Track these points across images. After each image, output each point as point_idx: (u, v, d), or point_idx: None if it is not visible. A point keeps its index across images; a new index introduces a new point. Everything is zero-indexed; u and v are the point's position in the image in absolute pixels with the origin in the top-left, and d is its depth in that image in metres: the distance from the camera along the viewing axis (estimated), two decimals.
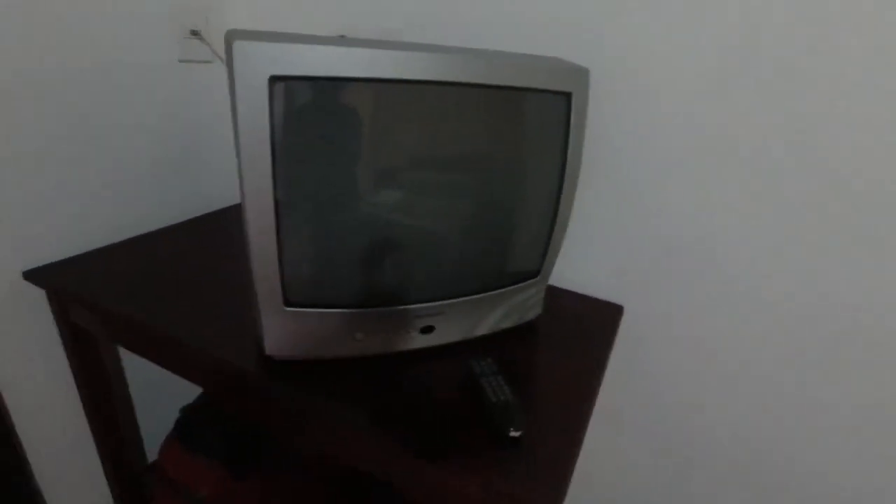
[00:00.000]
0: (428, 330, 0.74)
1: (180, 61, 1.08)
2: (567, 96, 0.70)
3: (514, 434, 0.60)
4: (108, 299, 0.81)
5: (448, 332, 0.76)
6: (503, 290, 0.78)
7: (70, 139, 0.91)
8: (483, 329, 0.80)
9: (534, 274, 0.81)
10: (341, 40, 0.62)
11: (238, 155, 0.57)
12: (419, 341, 0.75)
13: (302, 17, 1.09)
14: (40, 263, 0.90)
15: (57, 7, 0.84)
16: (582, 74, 0.71)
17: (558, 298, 0.96)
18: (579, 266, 0.99)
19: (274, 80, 0.55)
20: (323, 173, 0.62)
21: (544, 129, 0.72)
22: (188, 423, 0.95)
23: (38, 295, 0.91)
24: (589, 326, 0.89)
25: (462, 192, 0.71)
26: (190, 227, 1.10)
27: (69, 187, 0.93)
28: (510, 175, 0.73)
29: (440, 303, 0.74)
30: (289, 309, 0.66)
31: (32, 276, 0.87)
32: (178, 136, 1.11)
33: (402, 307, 0.71)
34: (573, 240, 0.97)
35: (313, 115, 0.59)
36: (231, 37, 0.54)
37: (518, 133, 0.71)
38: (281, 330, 0.67)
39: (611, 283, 0.97)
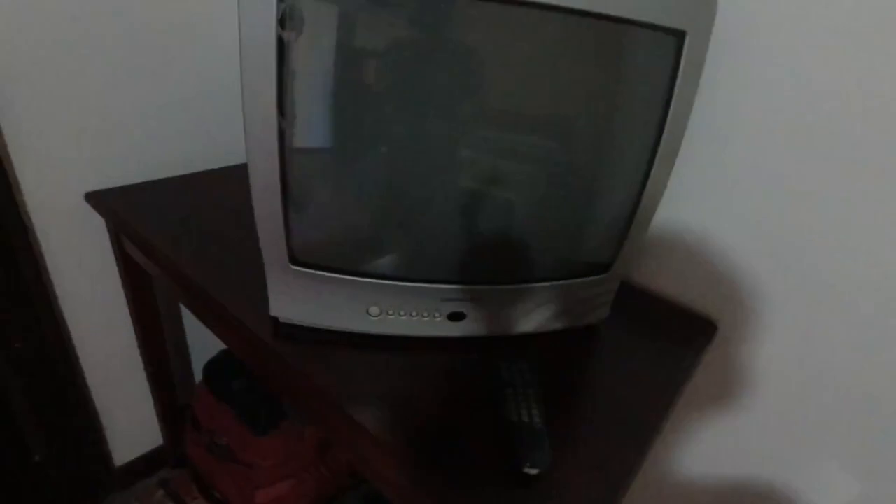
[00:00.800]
0: (457, 317, 0.62)
1: None
2: (678, 36, 0.51)
3: (529, 471, 0.46)
4: (150, 233, 0.78)
5: (481, 323, 0.63)
6: (559, 282, 0.63)
7: (136, 69, 0.89)
8: (527, 326, 0.65)
9: (603, 268, 0.64)
10: None
11: (242, 81, 0.47)
12: (445, 329, 0.62)
13: None
14: (101, 187, 0.90)
15: None
16: (704, 7, 0.51)
17: (634, 300, 0.79)
18: (667, 265, 0.80)
19: None
20: (342, 106, 0.50)
21: (639, 81, 0.54)
22: (217, 373, 0.93)
23: (99, 219, 0.92)
24: (667, 341, 0.70)
25: (519, 152, 0.56)
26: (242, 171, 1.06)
27: (132, 118, 0.92)
28: (586, 137, 0.56)
29: (474, 287, 0.60)
30: (294, 268, 0.57)
31: (92, 198, 0.88)
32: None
33: (427, 285, 0.59)
34: (664, 230, 0.78)
35: (334, 29, 0.47)
36: None
37: (598, 82, 0.54)
38: (286, 290, 0.59)
39: (704, 291, 0.77)
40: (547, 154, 0.56)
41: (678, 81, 0.52)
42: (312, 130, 0.51)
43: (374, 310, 0.60)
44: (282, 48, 0.45)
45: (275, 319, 0.62)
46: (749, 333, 0.75)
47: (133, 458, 1.21)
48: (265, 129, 0.48)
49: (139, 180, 0.95)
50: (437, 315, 0.61)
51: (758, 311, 0.73)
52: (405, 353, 0.61)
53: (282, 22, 0.44)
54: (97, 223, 0.92)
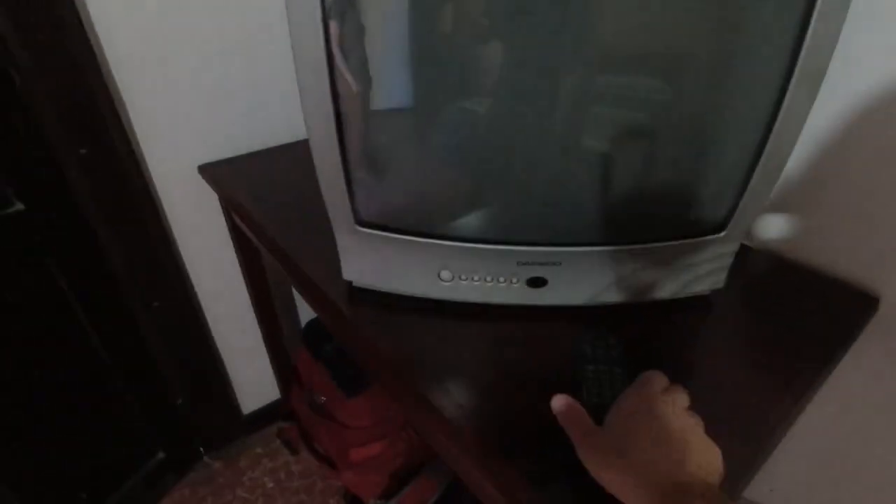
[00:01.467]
0: (538, 283, 0.55)
1: None
2: None
3: None
4: (250, 206, 0.82)
5: (567, 290, 0.56)
6: (660, 244, 0.53)
7: (226, 47, 0.93)
8: (621, 295, 0.57)
9: (717, 227, 0.53)
10: None
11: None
12: (525, 296, 0.56)
13: None
14: (211, 160, 0.97)
15: None
16: None
17: (760, 267, 0.65)
18: (810, 229, 0.64)
19: None
20: (414, 42, 0.46)
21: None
22: (314, 334, 0.97)
23: (209, 188, 0.99)
24: (807, 318, 0.57)
25: (628, 95, 0.47)
26: None
27: (240, 91, 0.97)
28: (695, 67, 0.45)
29: (557, 248, 0.53)
30: (361, 229, 0.54)
31: (205, 170, 0.95)
32: None
33: (502, 247, 0.53)
34: (803, 189, 0.63)
35: None
36: None
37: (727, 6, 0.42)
38: (355, 253, 0.57)
39: (863, 261, 0.61)
40: (656, 99, 0.46)
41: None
42: (372, 71, 0.47)
43: (445, 274, 0.56)
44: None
45: (349, 284, 0.61)
46: None
47: (256, 408, 1.34)
48: (317, 63, 0.44)
49: (244, 151, 1.00)
50: (514, 280, 0.55)
51: None
52: (480, 323, 0.57)
53: None
54: (212, 194, 0.99)
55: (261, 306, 1.12)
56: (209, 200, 1.00)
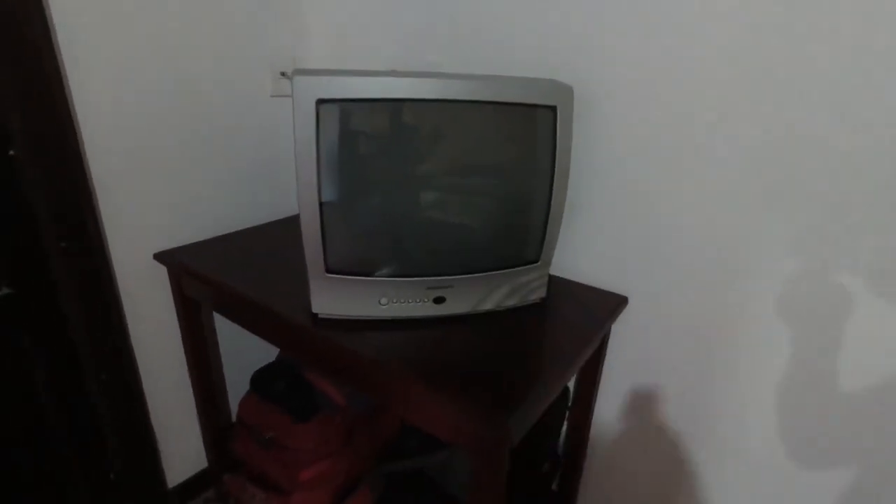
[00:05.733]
0: (440, 300, 0.92)
1: (272, 96, 1.37)
2: (552, 109, 0.85)
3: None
4: (208, 271, 1.07)
5: (458, 303, 0.93)
6: (506, 270, 0.93)
7: (186, 157, 1.21)
8: (489, 304, 0.95)
9: (535, 259, 0.95)
10: (373, 72, 0.83)
11: (295, 160, 0.79)
12: (433, 310, 0.92)
13: (368, 59, 1.33)
14: (165, 248, 1.19)
15: (186, 57, 1.15)
16: (566, 91, 0.86)
17: (566, 287, 1.09)
18: (587, 259, 1.11)
19: (320, 102, 0.77)
20: (356, 172, 0.83)
21: (537, 137, 0.87)
22: (261, 378, 1.19)
23: (162, 273, 1.20)
24: (591, 311, 1.00)
25: (468, 188, 0.88)
26: (278, 226, 1.37)
27: (188, 191, 1.23)
28: (510, 175, 0.90)
29: (450, 277, 0.90)
30: (329, 275, 0.86)
31: (160, 256, 1.17)
32: (269, 154, 1.40)
33: (417, 278, 0.89)
34: (580, 234, 1.10)
35: (348, 126, 0.80)
36: (295, 73, 0.77)
37: (516, 140, 0.87)
38: (323, 292, 0.88)
39: (616, 275, 1.08)
40: (486, 188, 0.89)
41: (558, 132, 0.86)
42: (337, 187, 0.82)
43: (383, 300, 0.89)
44: (317, 140, 0.78)
45: (314, 316, 0.91)
46: (651, 299, 1.05)
47: (182, 480, 1.43)
48: (309, 188, 0.79)
49: (197, 240, 1.25)
50: (425, 300, 0.91)
51: (654, 281, 1.04)
52: (405, 330, 0.90)
53: (317, 124, 0.77)
54: (163, 275, 1.20)
55: (199, 372, 1.29)
56: (163, 285, 1.21)
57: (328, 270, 0.86)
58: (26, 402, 1.05)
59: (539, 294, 0.99)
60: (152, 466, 1.34)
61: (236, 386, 1.38)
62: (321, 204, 0.81)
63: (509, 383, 0.77)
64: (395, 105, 0.81)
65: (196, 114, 1.21)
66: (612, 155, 1.02)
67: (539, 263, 0.95)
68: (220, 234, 1.30)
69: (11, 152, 0.95)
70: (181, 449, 1.41)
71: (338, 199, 0.83)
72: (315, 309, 0.90)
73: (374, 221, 0.88)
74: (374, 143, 0.84)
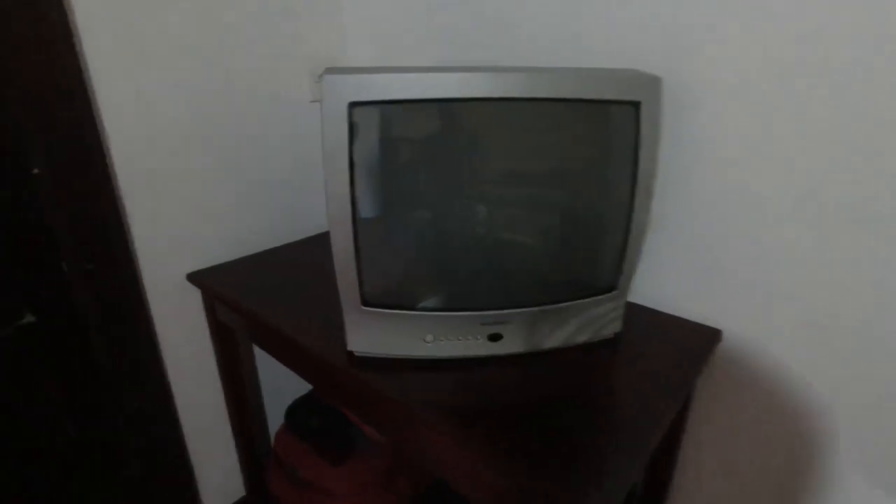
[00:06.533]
0: (496, 338, 0.77)
1: (311, 102, 1.27)
2: (636, 105, 0.69)
3: None
4: (240, 297, 0.97)
5: (517, 340, 0.78)
6: (575, 302, 0.77)
7: (219, 168, 1.13)
8: (554, 341, 0.79)
9: (610, 287, 0.79)
10: (414, 68, 0.70)
11: (324, 173, 0.67)
12: (487, 348, 0.77)
13: (413, 59, 1.21)
14: (199, 267, 1.11)
15: (220, 66, 1.07)
16: (652, 83, 0.69)
17: (645, 317, 0.91)
18: (671, 283, 0.93)
19: (353, 105, 0.65)
20: (396, 186, 0.70)
21: (616, 139, 0.71)
22: (295, 413, 1.08)
23: (193, 294, 1.13)
24: (677, 349, 0.82)
25: (531, 203, 0.73)
26: (319, 241, 1.26)
27: (222, 205, 1.15)
28: (582, 186, 0.74)
29: (507, 311, 0.76)
30: (365, 308, 0.74)
31: (193, 277, 1.09)
32: (307, 165, 1.30)
33: (469, 313, 0.75)
34: (663, 255, 0.92)
35: (386, 133, 0.67)
36: (325, 73, 0.65)
37: (589, 144, 0.72)
38: (359, 328, 0.75)
39: (707, 305, 0.89)
40: (552, 203, 0.73)
41: (642, 134, 0.70)
42: (374, 204, 0.69)
43: (429, 337, 0.76)
44: (350, 150, 0.65)
45: (349, 354, 0.78)
46: (749, 335, 0.86)
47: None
48: (341, 206, 0.67)
49: (229, 259, 1.16)
50: (479, 337, 0.76)
51: (753, 314, 0.85)
52: (457, 371, 0.76)
53: (350, 131, 0.64)
54: (196, 295, 1.12)
55: (235, 400, 1.21)
56: (196, 307, 1.13)
57: (365, 303, 0.74)
58: (54, 436, 0.99)
59: (614, 328, 0.83)
60: (190, 497, 1.27)
61: (277, 410, 1.29)
62: (355, 224, 0.68)
63: (580, 448, 0.62)
64: (442, 106, 0.67)
65: (229, 123, 1.12)
66: (713, 157, 0.83)
67: (616, 292, 0.79)
68: (254, 251, 1.20)
69: (35, 171, 0.88)
70: (219, 478, 1.33)
71: (375, 217, 0.70)
72: (350, 346, 0.77)
73: (419, 244, 0.75)
74: (417, 150, 0.71)
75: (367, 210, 0.69)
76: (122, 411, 1.07)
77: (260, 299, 0.96)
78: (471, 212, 0.72)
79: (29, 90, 0.83)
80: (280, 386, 1.36)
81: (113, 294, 1.00)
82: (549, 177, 0.73)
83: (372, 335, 0.76)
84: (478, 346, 0.77)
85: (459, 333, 0.76)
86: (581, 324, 0.79)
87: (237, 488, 1.38)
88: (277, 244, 1.25)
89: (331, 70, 0.65)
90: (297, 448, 1.05)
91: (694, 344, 0.84)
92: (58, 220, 0.90)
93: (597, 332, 0.81)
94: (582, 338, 0.81)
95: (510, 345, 0.78)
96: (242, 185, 1.18)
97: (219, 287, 1.03)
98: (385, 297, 0.74)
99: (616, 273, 0.78)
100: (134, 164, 0.98)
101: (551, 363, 0.78)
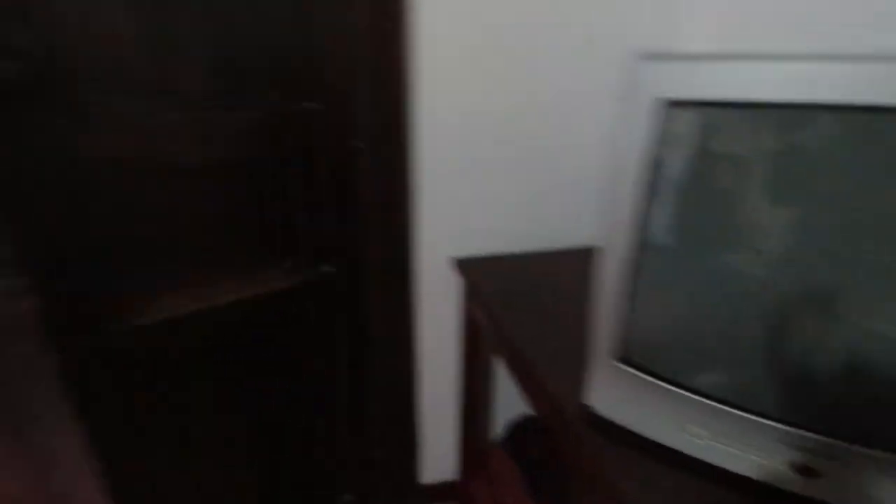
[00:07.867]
0: (807, 472, 0.50)
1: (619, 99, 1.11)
2: None
3: None
4: (491, 300, 0.92)
5: (842, 488, 0.50)
6: None
7: (510, 160, 1.10)
8: None
9: None
10: (767, 56, 0.48)
11: (612, 183, 0.53)
12: (791, 482, 0.52)
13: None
14: (460, 255, 1.12)
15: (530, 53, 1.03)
16: None
17: None
18: None
19: (673, 104, 0.48)
20: (711, 221, 0.51)
21: None
22: (515, 433, 1.00)
23: (448, 279, 1.14)
24: None
25: None
26: (577, 255, 1.13)
27: (498, 198, 1.13)
28: None
29: (835, 441, 0.48)
30: (616, 364, 0.58)
31: (461, 264, 1.09)
32: (598, 167, 1.16)
33: (764, 420, 0.51)
34: None
35: (717, 147, 0.49)
36: (639, 59, 0.50)
37: None
38: (605, 385, 0.60)
39: None
40: None
41: None
42: (674, 234, 0.52)
43: (696, 430, 0.55)
44: (657, 162, 0.49)
45: (584, 407, 0.64)
46: None
47: (432, 481, 1.40)
48: (626, 229, 0.52)
49: (489, 252, 1.14)
50: (778, 460, 0.51)
51: None
52: (730, 491, 0.53)
53: (661, 140, 0.48)
54: (451, 280, 1.14)
55: (468, 395, 1.20)
56: (451, 291, 1.15)
57: (622, 357, 0.57)
58: (325, 371, 1.15)
59: None
60: (411, 456, 1.34)
61: (507, 411, 1.26)
62: (639, 260, 0.52)
63: None
64: (811, 114, 0.44)
65: (525, 113, 1.07)
66: None
67: None
68: (516, 250, 1.15)
69: (360, 144, 1.00)
70: (439, 453, 1.38)
71: (669, 259, 0.53)
72: (587, 399, 0.63)
73: (726, 297, 0.53)
74: (763, 171, 0.49)
75: (658, 246, 0.52)
76: (379, 371, 1.18)
77: (509, 308, 0.89)
78: (832, 279, 0.47)
79: (367, 78, 0.94)
80: (514, 390, 1.30)
81: (390, 260, 1.09)
82: None
83: (620, 398, 0.60)
84: (773, 473, 0.52)
85: (747, 442, 0.53)
86: None
87: (453, 469, 1.41)
88: (540, 247, 1.17)
89: (647, 56, 0.50)
90: (507, 469, 0.97)
91: None
92: (366, 188, 1.02)
93: None
94: None
95: (829, 489, 0.50)
96: (524, 180, 1.13)
97: (477, 280, 1.01)
98: (651, 355, 0.56)
99: None
100: (432, 149, 1.03)
101: None
